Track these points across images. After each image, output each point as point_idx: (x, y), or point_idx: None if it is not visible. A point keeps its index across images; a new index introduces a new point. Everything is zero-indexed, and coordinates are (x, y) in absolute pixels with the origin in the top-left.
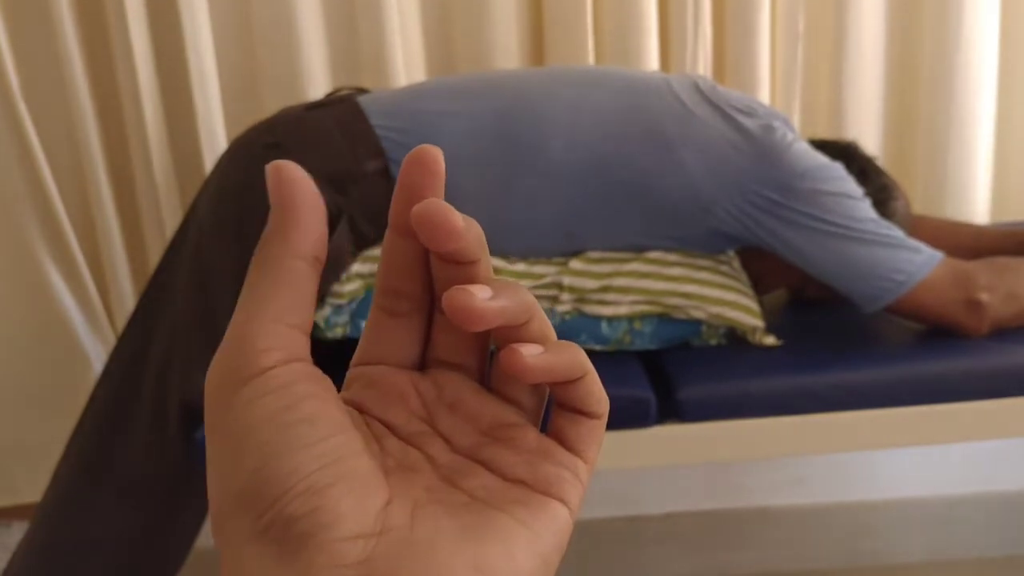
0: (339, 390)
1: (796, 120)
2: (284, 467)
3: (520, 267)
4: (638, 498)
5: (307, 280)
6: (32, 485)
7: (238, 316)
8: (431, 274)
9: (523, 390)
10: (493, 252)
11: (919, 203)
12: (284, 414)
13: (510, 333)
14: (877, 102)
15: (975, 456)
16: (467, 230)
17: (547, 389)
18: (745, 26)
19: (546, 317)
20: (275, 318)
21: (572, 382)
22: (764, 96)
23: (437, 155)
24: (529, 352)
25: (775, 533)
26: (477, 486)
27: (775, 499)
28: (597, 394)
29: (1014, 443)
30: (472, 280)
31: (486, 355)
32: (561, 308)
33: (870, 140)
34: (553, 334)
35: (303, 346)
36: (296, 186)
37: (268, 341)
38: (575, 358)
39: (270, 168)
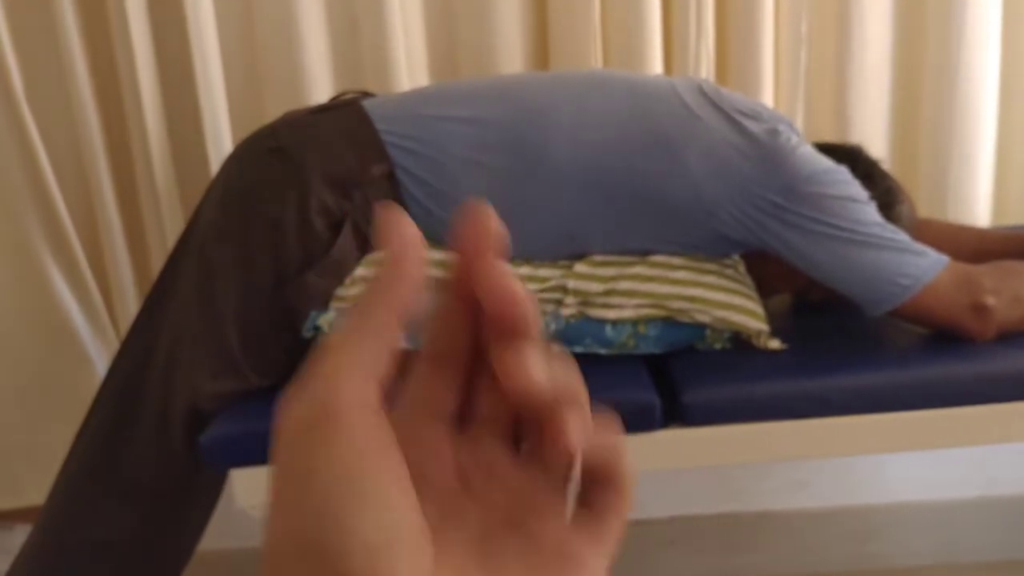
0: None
1: (800, 123)
2: (346, 516)
3: (525, 270)
4: (644, 502)
5: (397, 335)
6: (36, 487)
7: (331, 358)
8: (480, 330)
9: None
10: None
11: (922, 206)
12: (354, 461)
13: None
14: (882, 106)
15: (979, 460)
16: (528, 299)
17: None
18: (748, 29)
19: (585, 393)
20: (363, 369)
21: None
22: (767, 99)
23: (491, 216)
24: (574, 429)
25: (780, 537)
26: (510, 553)
27: (780, 503)
28: (626, 480)
29: (1018, 447)
30: (523, 342)
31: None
32: (566, 311)
33: (875, 144)
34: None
35: (378, 397)
36: (408, 244)
37: (353, 390)
38: (615, 444)
39: (384, 217)
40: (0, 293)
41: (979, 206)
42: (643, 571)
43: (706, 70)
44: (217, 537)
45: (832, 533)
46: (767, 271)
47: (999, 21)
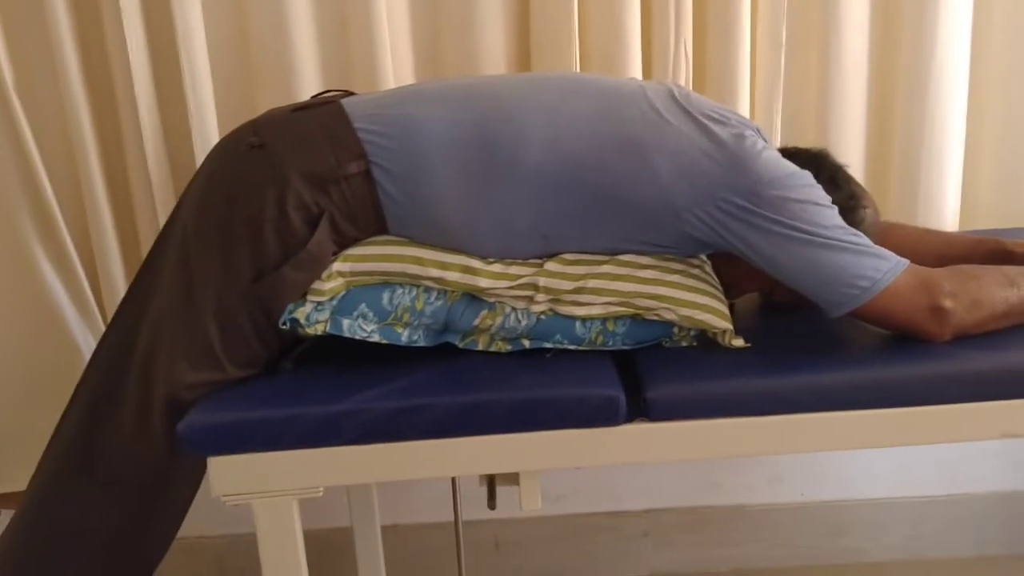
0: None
1: (777, 128)
2: None
3: (496, 268)
4: (619, 494)
5: None
6: (24, 473)
7: None
8: None
9: None
10: (470, 253)
11: (892, 210)
12: None
13: None
14: (858, 112)
15: (947, 459)
16: None
17: None
18: (726, 35)
19: None
20: None
21: None
22: (744, 104)
23: None
24: None
25: (752, 530)
26: None
27: (753, 497)
28: None
29: (983, 448)
30: None
31: None
32: (536, 308)
33: (851, 148)
34: None
35: None
36: None
37: None
38: None
39: None
40: None
41: (948, 210)
42: (618, 563)
43: (684, 75)
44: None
45: (805, 527)
46: (734, 272)
47: (969, 31)
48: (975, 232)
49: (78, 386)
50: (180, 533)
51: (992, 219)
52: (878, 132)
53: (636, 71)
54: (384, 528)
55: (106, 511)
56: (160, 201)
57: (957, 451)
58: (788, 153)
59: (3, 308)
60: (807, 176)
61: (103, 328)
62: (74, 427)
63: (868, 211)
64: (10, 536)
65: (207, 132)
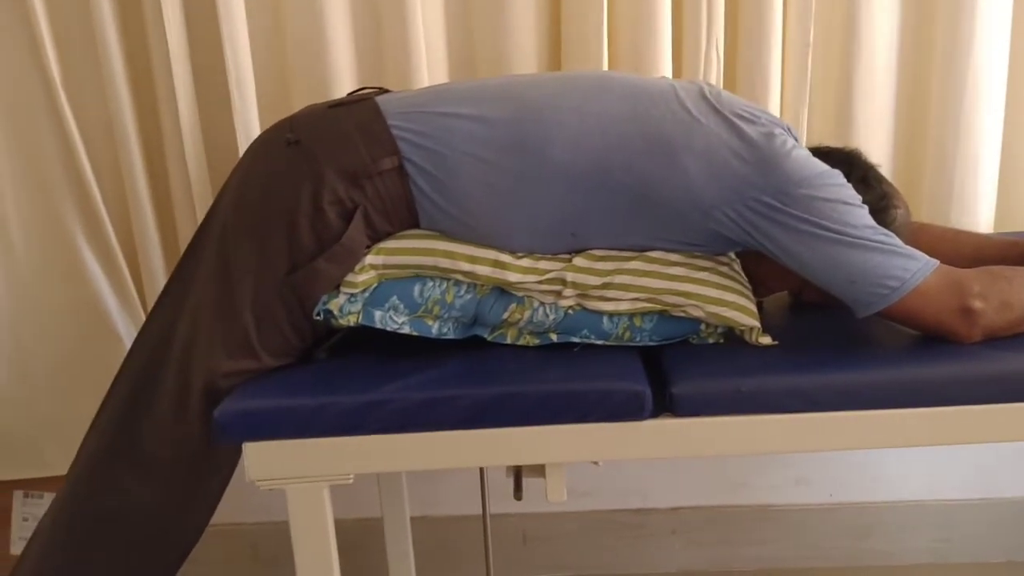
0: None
1: (805, 128)
2: None
3: (526, 262)
4: (646, 492)
5: None
6: (63, 459)
7: None
8: None
9: None
10: (500, 248)
11: (925, 212)
12: None
13: None
14: (887, 111)
15: (978, 462)
16: None
17: None
18: (757, 34)
19: None
20: None
21: None
22: (774, 104)
23: None
24: None
25: (778, 530)
26: None
27: (779, 497)
28: None
29: (1015, 451)
30: None
31: None
32: (564, 303)
33: (880, 149)
34: None
35: None
36: None
37: None
38: None
39: None
40: (36, 272)
41: (983, 212)
42: (644, 559)
43: (715, 74)
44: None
45: (831, 528)
46: (763, 270)
47: (1008, 29)
48: (1011, 234)
49: (118, 374)
50: (215, 519)
51: None
52: (910, 132)
53: (667, 70)
54: (413, 519)
55: (144, 495)
56: (198, 196)
57: (988, 454)
58: (820, 152)
59: (50, 299)
60: (837, 175)
61: (143, 318)
62: (114, 414)
63: (899, 211)
64: (52, 518)
65: (250, 129)
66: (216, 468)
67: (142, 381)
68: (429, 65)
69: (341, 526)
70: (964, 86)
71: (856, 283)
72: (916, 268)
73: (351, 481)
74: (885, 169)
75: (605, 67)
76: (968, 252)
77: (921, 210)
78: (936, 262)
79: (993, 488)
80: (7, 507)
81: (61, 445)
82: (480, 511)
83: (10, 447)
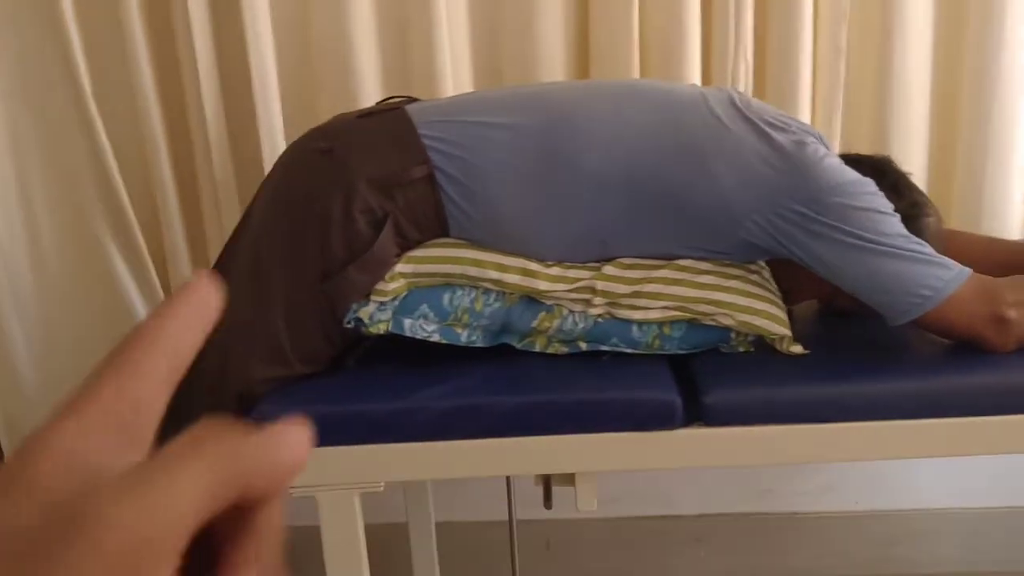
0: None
1: (837, 135)
2: None
3: (555, 271)
4: (672, 499)
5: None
6: None
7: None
8: None
9: None
10: (529, 257)
11: (955, 219)
12: None
13: None
14: (920, 118)
15: (1007, 471)
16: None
17: None
18: (787, 40)
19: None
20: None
21: None
22: (805, 110)
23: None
24: None
25: (805, 538)
26: None
27: (806, 505)
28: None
29: None
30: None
31: None
32: (593, 311)
33: (914, 155)
34: None
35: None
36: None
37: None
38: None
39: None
40: (66, 280)
41: (1014, 219)
42: (669, 566)
43: (744, 81)
44: None
45: (857, 536)
46: (793, 279)
47: None
48: None
49: None
50: None
51: None
52: (941, 139)
53: (696, 77)
54: (438, 524)
55: None
56: (224, 204)
57: (1016, 462)
58: (851, 160)
59: (79, 302)
60: (869, 183)
61: None
62: None
63: (931, 219)
64: None
65: (274, 136)
66: None
67: (177, 388)
68: (454, 74)
69: (366, 531)
70: (995, 93)
71: (889, 292)
72: (950, 277)
73: (381, 489)
74: (918, 176)
75: (635, 75)
76: (1000, 259)
77: (952, 217)
78: (969, 271)
79: (1021, 496)
80: None
81: None
82: (505, 517)
83: None
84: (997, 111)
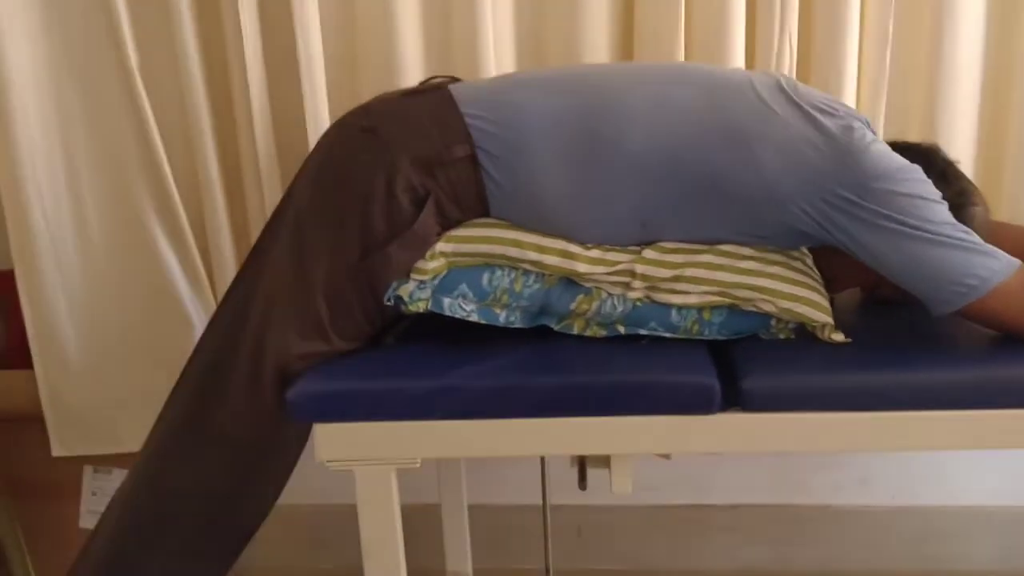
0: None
1: (882, 122)
2: None
3: (595, 253)
4: (706, 488)
5: None
6: (133, 436)
7: None
8: None
9: None
10: (569, 238)
11: (1005, 210)
12: None
13: None
14: (970, 108)
15: None
16: None
17: None
18: (832, 27)
19: None
20: None
21: None
22: (850, 97)
23: None
24: None
25: (838, 531)
26: None
27: (840, 498)
28: None
29: None
30: None
31: None
32: (632, 295)
33: (961, 145)
34: None
35: None
36: None
37: None
38: None
39: None
40: (110, 256)
41: None
42: (701, 555)
43: (788, 66)
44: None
45: (893, 531)
46: (837, 266)
47: None
48: None
49: (194, 353)
50: (278, 501)
51: None
52: (991, 128)
53: (740, 61)
54: (471, 507)
55: (215, 472)
56: (266, 181)
57: None
58: (898, 147)
59: (124, 282)
60: (917, 170)
61: (213, 303)
62: (189, 392)
63: (978, 208)
64: (126, 493)
65: (319, 117)
66: (286, 447)
67: (217, 360)
68: (497, 55)
69: (400, 511)
70: None
71: (934, 281)
72: (998, 267)
73: (418, 465)
74: (966, 166)
75: (680, 58)
76: None
77: (1001, 208)
78: (1018, 262)
79: None
80: (78, 482)
81: (133, 423)
82: (537, 501)
83: (84, 423)
84: None
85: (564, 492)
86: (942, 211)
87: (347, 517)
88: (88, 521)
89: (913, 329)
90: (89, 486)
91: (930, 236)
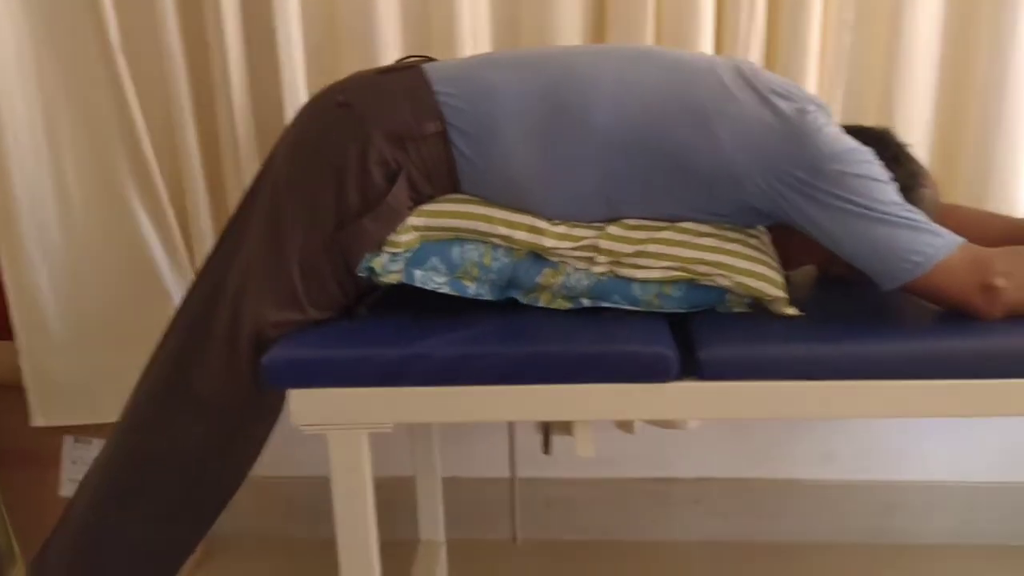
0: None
1: (841, 107)
2: None
3: (561, 229)
4: (671, 462)
5: None
6: (113, 405)
7: None
8: None
9: None
10: (537, 214)
11: (962, 193)
12: None
13: None
14: (927, 91)
15: (1003, 445)
16: None
17: None
18: (797, 14)
19: None
20: None
21: None
22: (811, 82)
23: None
24: None
25: (801, 505)
26: None
27: (803, 472)
28: None
29: None
30: None
31: None
32: (597, 269)
33: (919, 130)
34: None
35: None
36: None
37: None
38: None
39: None
40: (91, 229)
41: (1021, 193)
42: (667, 527)
43: (755, 51)
44: (270, 465)
45: (855, 505)
46: (792, 244)
47: None
48: None
49: (172, 321)
50: (253, 472)
51: None
52: (949, 113)
53: (708, 46)
54: (444, 479)
55: (193, 437)
56: (245, 157)
57: (1015, 437)
58: (852, 130)
59: (105, 255)
60: (867, 152)
61: (192, 275)
62: (168, 358)
63: (927, 190)
64: (105, 458)
65: (297, 93)
66: (262, 414)
67: (195, 328)
68: (474, 37)
69: (375, 483)
70: (1007, 68)
71: (881, 257)
72: (941, 244)
73: (390, 430)
74: (923, 149)
75: (649, 41)
76: (996, 234)
77: (958, 190)
78: (961, 239)
79: (1018, 471)
80: (58, 451)
81: (113, 393)
82: (508, 474)
83: (64, 394)
84: (1010, 85)
85: (534, 465)
86: (890, 191)
87: (322, 488)
88: (68, 490)
89: (862, 304)
90: (69, 455)
91: (877, 215)
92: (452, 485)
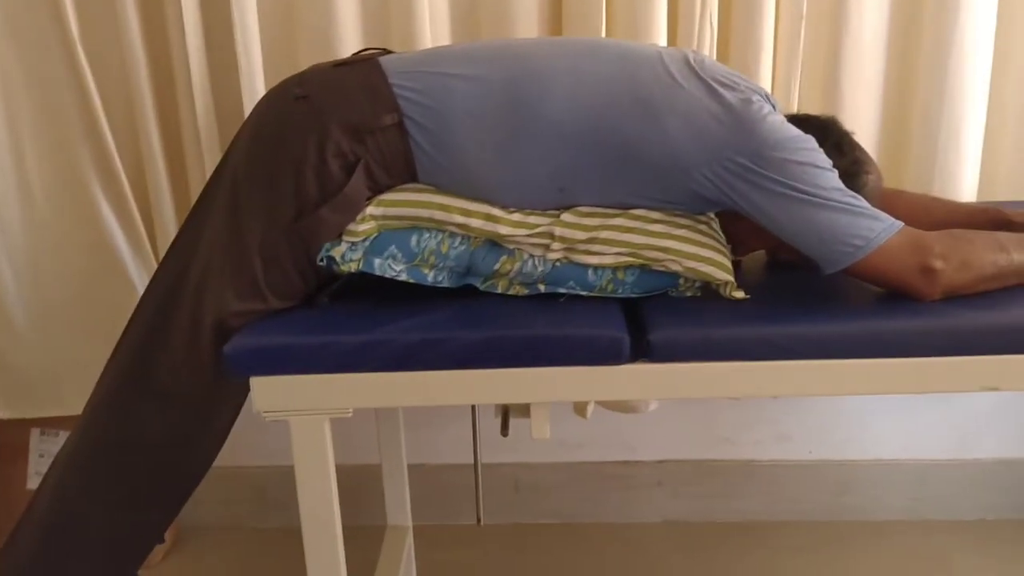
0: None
1: (795, 96)
2: None
3: (516, 217)
4: (633, 445)
5: None
6: (78, 398)
7: None
8: None
9: None
10: (492, 202)
11: (910, 180)
12: None
13: None
14: (876, 81)
15: (952, 423)
16: None
17: None
18: (751, 6)
19: None
20: None
21: None
22: (766, 73)
23: None
24: None
25: (760, 485)
26: None
27: (761, 453)
28: None
29: (989, 413)
30: None
31: None
32: (552, 256)
33: (866, 119)
34: None
35: None
36: None
37: None
38: None
39: None
40: (52, 220)
41: (966, 180)
42: (630, 509)
43: (709, 43)
44: (239, 455)
45: (810, 484)
46: (740, 230)
47: (994, 3)
48: (985, 203)
49: (135, 312)
50: (223, 462)
51: (1011, 191)
52: (897, 101)
53: (662, 39)
54: (410, 466)
55: (157, 426)
56: (207, 148)
57: (963, 416)
58: (798, 119)
59: (67, 245)
60: (810, 140)
61: (155, 265)
62: (131, 348)
63: (870, 177)
64: (71, 448)
65: (255, 85)
66: (226, 402)
67: (157, 318)
68: (432, 28)
69: (341, 471)
70: (950, 56)
71: (823, 241)
72: (881, 228)
73: (350, 414)
74: (871, 137)
75: (603, 33)
76: (939, 218)
77: (906, 177)
78: (900, 223)
79: (967, 449)
80: (25, 444)
81: (78, 385)
82: (472, 460)
83: (29, 386)
84: (953, 74)
85: (498, 451)
86: (832, 178)
87: (291, 477)
88: (35, 483)
89: (807, 288)
90: (36, 448)
91: (819, 200)
92: (418, 471)
